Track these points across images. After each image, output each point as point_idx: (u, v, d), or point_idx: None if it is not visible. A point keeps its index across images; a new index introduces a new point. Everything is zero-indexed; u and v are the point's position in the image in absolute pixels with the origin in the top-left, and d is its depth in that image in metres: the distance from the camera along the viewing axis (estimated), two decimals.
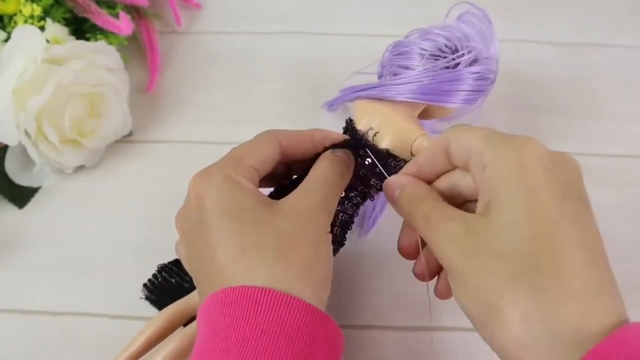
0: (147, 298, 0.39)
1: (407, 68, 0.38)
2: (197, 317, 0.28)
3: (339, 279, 0.40)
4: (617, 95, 0.50)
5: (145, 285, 0.39)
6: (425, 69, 0.36)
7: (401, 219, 0.43)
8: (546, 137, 0.48)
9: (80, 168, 0.46)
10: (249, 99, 0.50)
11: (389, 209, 0.43)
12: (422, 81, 0.36)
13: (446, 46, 0.38)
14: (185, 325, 0.35)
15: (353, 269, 0.41)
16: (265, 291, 0.25)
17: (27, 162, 0.44)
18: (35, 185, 0.45)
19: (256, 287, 0.25)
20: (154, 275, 0.40)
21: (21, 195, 0.44)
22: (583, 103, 0.50)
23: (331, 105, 0.44)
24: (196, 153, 0.47)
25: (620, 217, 0.43)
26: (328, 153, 0.33)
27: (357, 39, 0.54)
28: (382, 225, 0.42)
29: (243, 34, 0.55)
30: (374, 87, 0.37)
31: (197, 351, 0.26)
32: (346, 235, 0.34)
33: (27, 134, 0.42)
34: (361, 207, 0.42)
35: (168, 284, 0.39)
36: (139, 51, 0.53)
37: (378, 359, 0.37)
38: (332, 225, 0.32)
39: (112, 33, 0.47)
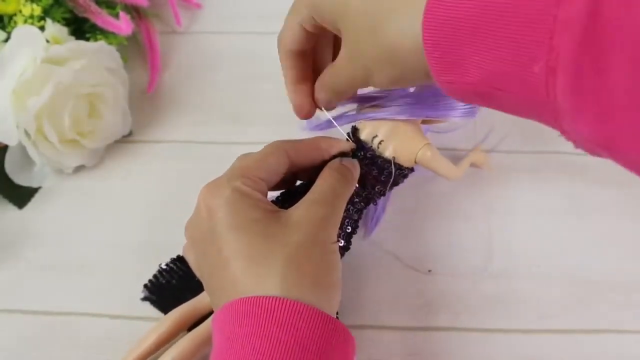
0: (147, 298, 0.39)
1: None
2: (212, 327, 0.29)
3: None
4: None
5: (145, 285, 0.39)
6: (422, 87, 0.37)
7: (400, 220, 0.43)
8: (547, 136, 0.48)
9: (80, 168, 0.46)
10: (249, 99, 0.50)
11: (390, 208, 0.43)
12: (420, 100, 0.36)
13: None
14: (189, 329, 0.35)
15: (352, 269, 0.41)
16: (279, 300, 0.26)
17: (27, 162, 0.44)
18: (35, 185, 0.45)
19: (270, 296, 0.26)
20: (155, 276, 0.40)
21: (21, 195, 0.44)
22: None
23: (320, 128, 0.44)
24: (196, 153, 0.47)
25: (620, 217, 0.43)
26: (335, 162, 0.34)
27: None
28: (381, 226, 0.42)
29: (243, 34, 0.55)
30: (372, 108, 0.37)
31: None
32: (351, 240, 0.35)
33: (26, 134, 0.42)
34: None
35: (169, 285, 0.39)
36: (139, 51, 0.53)
37: (377, 359, 0.37)
38: (339, 230, 0.33)
39: (112, 33, 0.47)
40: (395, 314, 0.39)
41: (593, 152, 0.25)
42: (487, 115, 0.48)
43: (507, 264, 0.41)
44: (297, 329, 0.26)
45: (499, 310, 0.39)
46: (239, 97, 0.50)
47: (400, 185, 0.44)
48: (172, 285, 0.39)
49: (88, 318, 0.39)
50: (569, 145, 0.51)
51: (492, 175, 0.45)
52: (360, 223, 0.42)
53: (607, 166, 0.47)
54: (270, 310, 0.26)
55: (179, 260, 0.40)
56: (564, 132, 0.25)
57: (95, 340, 0.38)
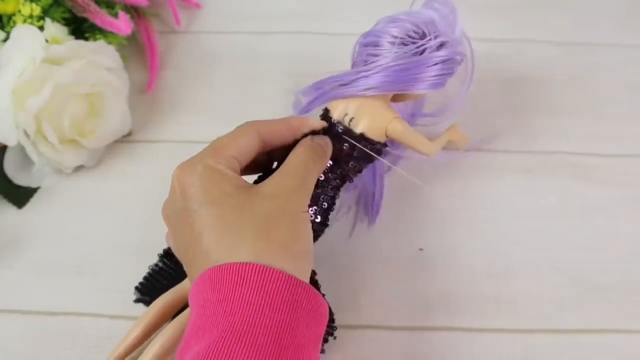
0: (140, 300, 0.39)
1: (376, 56, 0.38)
2: (189, 300, 0.29)
3: (338, 279, 0.40)
4: (617, 95, 0.50)
5: (137, 287, 0.39)
6: (390, 59, 0.37)
7: (398, 223, 0.43)
8: (546, 137, 0.48)
9: (79, 168, 0.45)
10: (249, 99, 0.50)
11: (388, 210, 0.43)
12: (387, 73, 0.37)
13: (415, 32, 0.38)
14: (174, 317, 0.35)
15: (352, 269, 0.41)
16: (249, 266, 0.27)
17: (27, 162, 0.44)
18: (34, 185, 0.44)
19: (240, 262, 0.27)
20: (145, 277, 0.40)
21: (20, 195, 0.44)
22: (583, 103, 0.50)
23: (305, 111, 0.44)
24: (195, 153, 0.47)
25: (620, 217, 0.43)
26: (306, 140, 0.34)
27: (357, 38, 0.54)
28: (380, 226, 0.42)
29: (243, 33, 0.55)
30: (343, 86, 0.38)
31: (190, 328, 0.28)
32: (329, 217, 0.36)
33: (26, 134, 0.42)
34: (362, 197, 0.43)
35: (160, 284, 0.39)
36: (139, 51, 0.52)
37: (377, 359, 0.37)
38: (315, 207, 0.35)
39: (112, 33, 0.47)
40: (395, 314, 0.39)
41: None
42: (488, 115, 0.48)
43: (507, 264, 0.41)
44: (267, 291, 0.26)
45: (498, 310, 0.39)
46: (239, 97, 0.50)
47: (397, 188, 0.44)
48: (163, 285, 0.39)
49: (88, 318, 0.39)
50: (568, 145, 0.52)
51: (493, 175, 0.45)
52: (362, 213, 0.43)
53: (606, 166, 0.47)
54: (241, 275, 0.27)
55: (166, 256, 0.40)
56: None
57: (95, 340, 0.38)
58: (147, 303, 0.39)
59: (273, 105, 0.49)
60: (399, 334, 0.38)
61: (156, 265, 0.40)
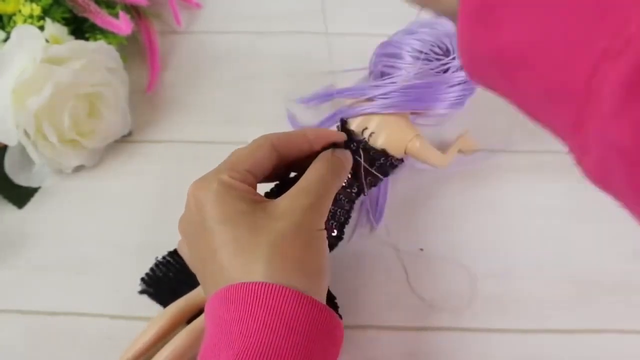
0: (144, 292, 0.39)
1: (396, 68, 0.38)
2: (204, 316, 0.29)
3: (338, 279, 0.40)
4: None
5: (143, 279, 0.40)
6: (413, 76, 0.37)
7: (400, 221, 0.43)
8: (546, 137, 0.47)
9: (79, 168, 0.46)
10: (249, 99, 0.50)
11: (390, 209, 0.43)
12: (409, 91, 0.37)
13: (439, 47, 0.38)
14: (188, 322, 0.35)
15: (352, 269, 0.41)
16: (264, 285, 0.27)
17: (27, 162, 0.44)
18: (34, 185, 0.44)
19: (256, 282, 0.27)
20: (152, 269, 0.40)
21: (20, 195, 0.44)
22: None
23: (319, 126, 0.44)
24: (196, 153, 0.47)
25: (620, 217, 0.43)
26: (327, 153, 0.34)
27: (358, 38, 0.54)
28: (381, 225, 0.42)
29: (243, 33, 0.55)
30: (363, 102, 0.38)
31: (205, 348, 0.28)
32: (344, 230, 0.35)
33: (26, 133, 0.42)
34: (365, 202, 0.43)
35: (166, 277, 0.39)
36: (139, 51, 0.52)
37: (377, 359, 0.37)
38: (332, 221, 0.34)
39: (112, 33, 0.47)
40: (395, 314, 0.39)
41: (602, 173, 0.21)
42: (487, 116, 0.48)
43: (507, 264, 0.41)
44: (282, 311, 0.26)
45: (499, 310, 0.39)
46: (239, 97, 0.50)
47: (398, 188, 0.44)
48: (169, 278, 0.39)
49: (88, 318, 0.39)
50: None
51: (493, 175, 0.45)
52: (364, 219, 0.43)
53: None
54: (256, 294, 0.27)
55: (176, 254, 0.40)
56: (578, 133, 0.21)
57: (95, 340, 0.38)
58: (152, 295, 0.39)
59: (273, 105, 0.49)
60: (400, 334, 0.38)
61: (164, 258, 0.40)
